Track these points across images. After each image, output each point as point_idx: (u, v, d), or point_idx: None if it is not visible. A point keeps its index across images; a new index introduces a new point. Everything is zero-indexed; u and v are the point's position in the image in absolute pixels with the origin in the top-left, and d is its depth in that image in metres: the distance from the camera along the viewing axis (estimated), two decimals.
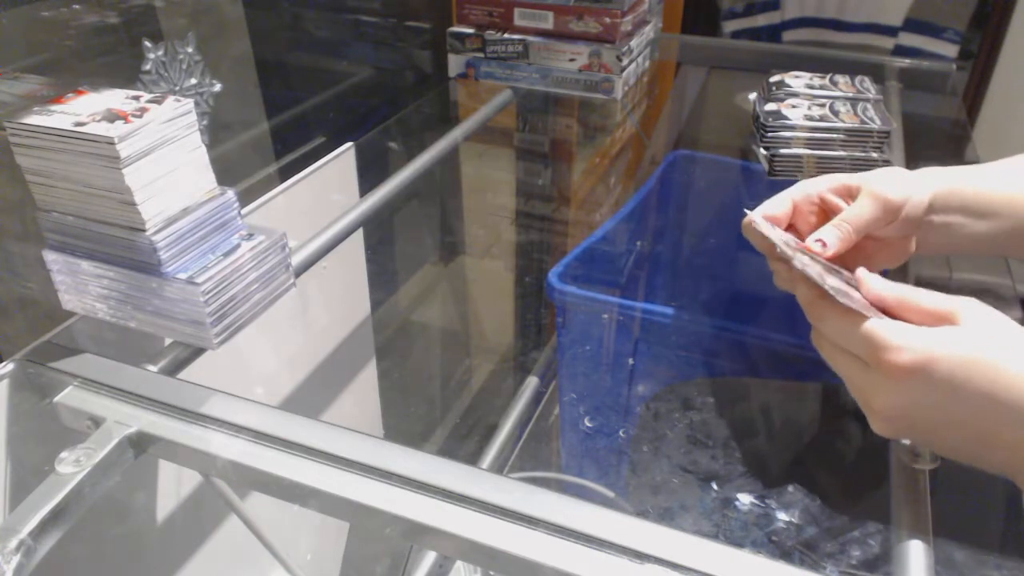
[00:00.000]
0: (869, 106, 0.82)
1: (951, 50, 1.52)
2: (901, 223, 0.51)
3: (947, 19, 1.51)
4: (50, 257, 0.50)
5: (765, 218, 0.52)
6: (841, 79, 0.87)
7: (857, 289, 0.43)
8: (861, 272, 0.43)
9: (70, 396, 0.48)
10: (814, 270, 0.43)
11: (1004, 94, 1.57)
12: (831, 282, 0.42)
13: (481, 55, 0.99)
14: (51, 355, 0.50)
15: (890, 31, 1.55)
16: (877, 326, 0.39)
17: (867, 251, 0.54)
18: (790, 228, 0.54)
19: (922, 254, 0.56)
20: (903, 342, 0.38)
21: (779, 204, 0.52)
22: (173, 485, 0.67)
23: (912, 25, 1.54)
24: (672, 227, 1.14)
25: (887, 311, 0.41)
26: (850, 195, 0.52)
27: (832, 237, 0.49)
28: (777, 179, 0.79)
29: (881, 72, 1.04)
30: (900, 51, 1.55)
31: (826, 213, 0.53)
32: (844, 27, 1.58)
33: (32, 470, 0.52)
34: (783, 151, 0.78)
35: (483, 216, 1.31)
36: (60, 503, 0.41)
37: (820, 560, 0.61)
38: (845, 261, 0.51)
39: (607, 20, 0.93)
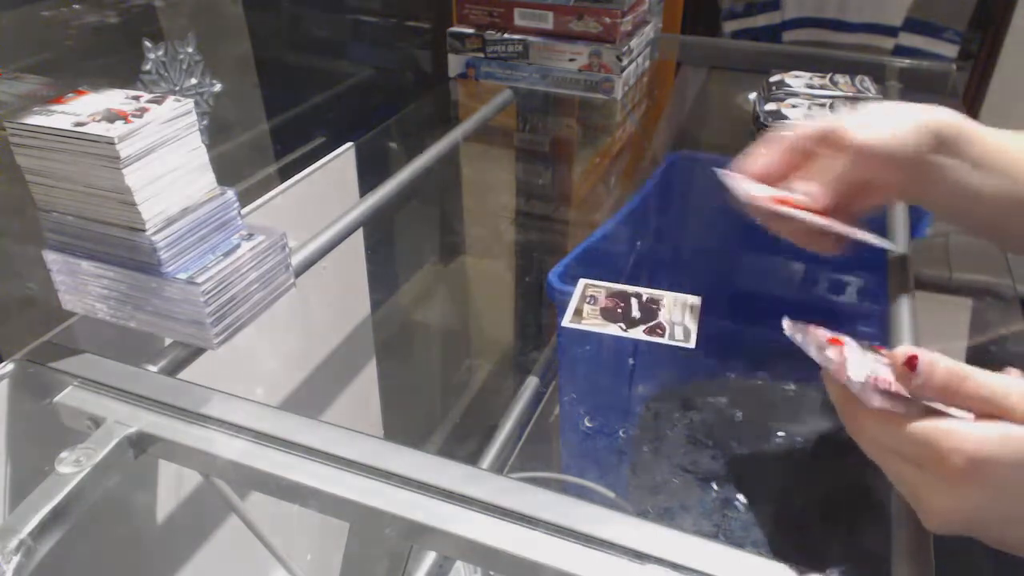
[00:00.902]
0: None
1: (951, 50, 1.52)
2: (888, 168, 0.49)
3: (947, 19, 1.51)
4: (50, 257, 0.50)
5: (752, 176, 0.51)
6: (841, 79, 0.87)
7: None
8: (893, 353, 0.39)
9: (70, 396, 0.48)
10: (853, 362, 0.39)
11: (1004, 94, 1.57)
12: (859, 377, 0.38)
13: (481, 55, 0.99)
14: (51, 355, 0.50)
15: (890, 31, 1.55)
16: (926, 428, 0.37)
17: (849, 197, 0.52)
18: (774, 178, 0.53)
19: (910, 203, 0.53)
20: (956, 444, 0.35)
21: (768, 159, 0.52)
22: (173, 485, 0.67)
23: (912, 25, 1.54)
24: (672, 227, 1.14)
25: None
26: (836, 145, 0.50)
27: (819, 193, 0.49)
28: None
29: (881, 72, 1.04)
30: (900, 51, 1.55)
31: (808, 159, 0.52)
32: (844, 27, 1.58)
33: (32, 470, 0.52)
34: None
35: (483, 216, 1.31)
36: (60, 503, 0.41)
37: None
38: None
39: (607, 20, 0.93)
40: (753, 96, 0.89)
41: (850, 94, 0.84)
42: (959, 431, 0.36)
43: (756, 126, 0.81)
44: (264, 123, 0.88)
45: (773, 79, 0.87)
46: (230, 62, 0.81)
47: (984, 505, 0.36)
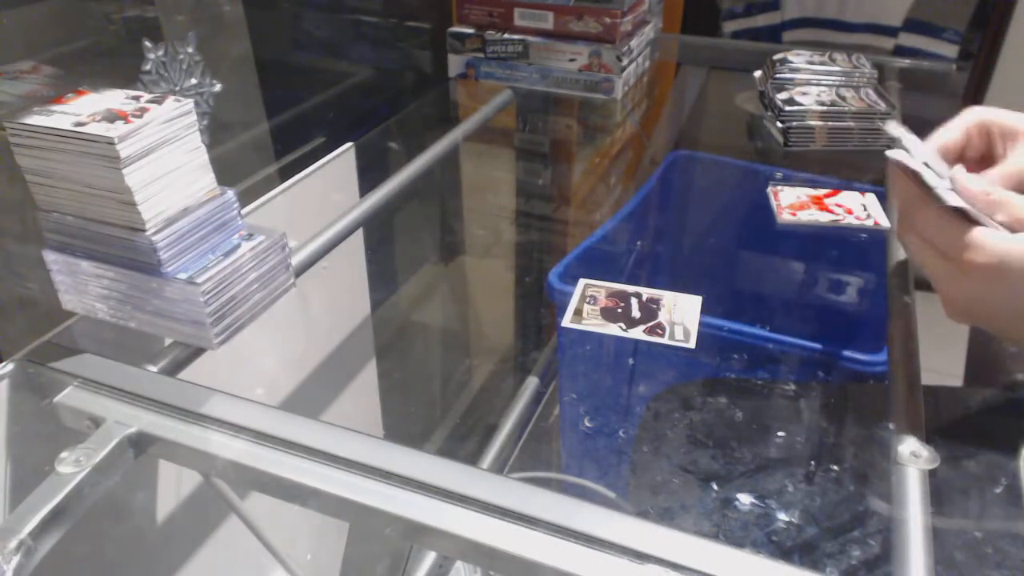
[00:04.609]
0: (871, 91, 0.90)
1: (951, 50, 1.52)
2: None
3: (947, 19, 1.51)
4: (50, 257, 0.50)
5: (940, 149, 0.52)
6: (839, 56, 0.95)
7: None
8: (958, 171, 0.46)
9: (70, 396, 0.48)
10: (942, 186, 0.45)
11: (1004, 94, 1.57)
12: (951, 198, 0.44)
13: (481, 55, 0.99)
14: (51, 355, 0.50)
15: (890, 31, 1.55)
16: (962, 226, 0.43)
17: None
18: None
19: None
20: (981, 242, 0.42)
21: (950, 134, 0.52)
22: (173, 485, 0.67)
23: (912, 25, 1.54)
24: (672, 227, 1.14)
25: (980, 206, 0.44)
26: (1011, 138, 0.51)
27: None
28: (792, 150, 0.84)
29: (881, 72, 1.04)
30: (900, 51, 1.55)
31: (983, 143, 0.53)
32: (844, 27, 1.58)
33: (32, 470, 0.52)
34: (796, 124, 0.84)
35: (483, 216, 1.31)
36: (60, 503, 0.41)
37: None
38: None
39: (607, 20, 0.93)
40: (758, 74, 0.95)
41: (847, 69, 0.92)
42: (988, 233, 0.42)
43: (764, 102, 0.86)
44: (264, 123, 0.88)
45: (776, 56, 0.93)
46: (230, 62, 0.81)
47: (993, 298, 0.42)
